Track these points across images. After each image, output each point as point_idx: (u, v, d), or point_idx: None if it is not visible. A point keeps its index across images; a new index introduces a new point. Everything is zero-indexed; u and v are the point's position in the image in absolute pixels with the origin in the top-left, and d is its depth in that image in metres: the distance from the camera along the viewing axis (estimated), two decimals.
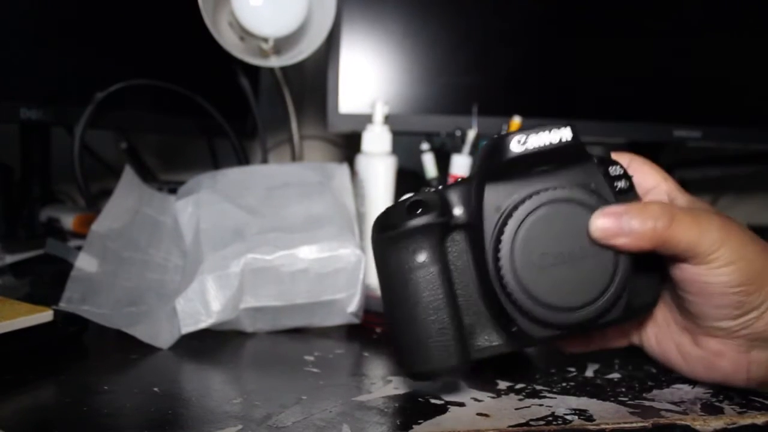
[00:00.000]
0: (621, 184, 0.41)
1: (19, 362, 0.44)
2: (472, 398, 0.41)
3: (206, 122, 0.82)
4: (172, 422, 0.36)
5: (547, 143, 0.39)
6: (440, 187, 0.42)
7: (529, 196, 0.38)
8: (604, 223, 0.38)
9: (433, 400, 0.41)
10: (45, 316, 0.45)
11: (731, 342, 0.41)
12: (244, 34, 0.71)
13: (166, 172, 1.03)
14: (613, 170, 0.41)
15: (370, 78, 0.83)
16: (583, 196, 0.38)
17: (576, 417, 0.39)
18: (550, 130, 0.39)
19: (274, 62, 0.73)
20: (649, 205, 0.39)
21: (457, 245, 0.41)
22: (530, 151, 0.39)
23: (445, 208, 0.40)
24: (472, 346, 0.41)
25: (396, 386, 0.43)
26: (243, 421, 0.36)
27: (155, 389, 0.41)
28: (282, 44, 0.73)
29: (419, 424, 0.37)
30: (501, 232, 0.38)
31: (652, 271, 0.41)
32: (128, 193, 0.63)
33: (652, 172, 0.46)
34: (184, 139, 1.06)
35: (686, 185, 1.13)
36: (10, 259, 0.64)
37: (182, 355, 0.48)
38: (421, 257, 0.39)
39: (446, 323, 0.39)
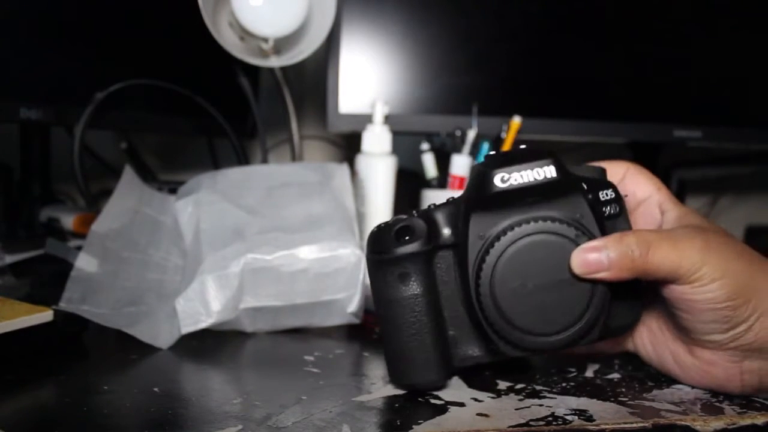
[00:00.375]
0: (610, 208, 0.42)
1: (19, 362, 0.44)
2: (472, 398, 0.41)
3: (206, 122, 0.82)
4: (172, 422, 0.36)
5: (531, 180, 0.40)
6: (432, 206, 0.43)
7: (511, 228, 0.39)
8: (584, 259, 0.39)
9: (433, 400, 0.41)
10: (45, 316, 0.45)
11: (723, 353, 0.41)
12: (244, 34, 0.71)
13: (166, 172, 1.03)
14: (604, 195, 0.42)
15: (370, 78, 0.83)
16: (564, 229, 0.39)
17: (576, 417, 0.39)
18: (533, 168, 0.40)
19: (274, 62, 0.73)
20: (625, 236, 0.40)
21: (447, 261, 0.43)
22: (514, 187, 0.40)
23: (433, 233, 0.42)
24: (455, 356, 0.43)
25: (396, 386, 0.43)
26: (243, 421, 0.36)
27: (155, 389, 0.41)
28: (282, 44, 0.73)
29: (419, 424, 0.37)
30: (482, 260, 0.39)
31: (632, 292, 0.42)
32: (128, 194, 0.63)
33: (646, 182, 0.47)
34: (184, 139, 1.05)
35: (686, 185, 1.13)
36: (10, 259, 0.64)
37: (182, 355, 0.48)
38: (406, 282, 0.41)
39: (427, 342, 0.41)
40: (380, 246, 0.42)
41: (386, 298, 0.41)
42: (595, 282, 0.39)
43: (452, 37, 0.84)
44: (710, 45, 0.90)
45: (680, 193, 1.03)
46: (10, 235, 0.74)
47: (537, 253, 0.39)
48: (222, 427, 0.36)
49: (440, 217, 0.42)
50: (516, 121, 0.74)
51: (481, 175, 0.41)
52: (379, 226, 0.43)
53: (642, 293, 0.43)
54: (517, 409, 0.40)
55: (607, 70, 0.88)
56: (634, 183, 0.47)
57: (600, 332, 0.41)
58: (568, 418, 0.39)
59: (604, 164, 0.46)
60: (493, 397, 0.42)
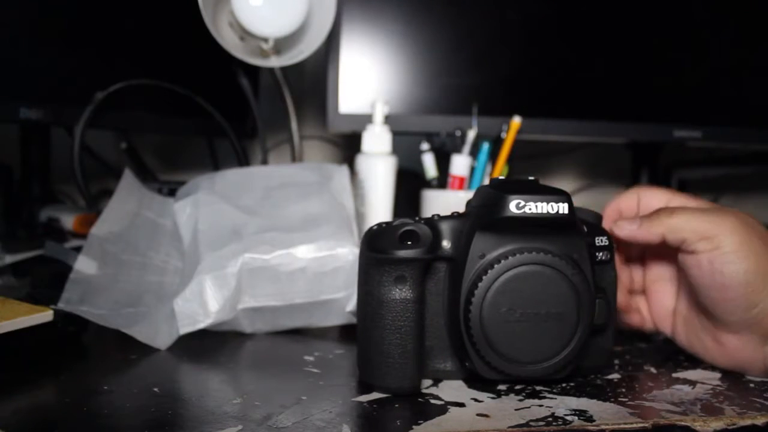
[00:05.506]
0: (602, 255, 0.44)
1: (19, 362, 0.44)
2: (472, 399, 0.41)
3: (206, 122, 0.81)
4: (172, 422, 0.36)
5: (544, 212, 0.41)
6: (436, 216, 0.43)
7: (513, 253, 0.40)
8: (626, 232, 0.46)
9: (433, 401, 0.41)
10: (45, 316, 0.45)
11: (747, 338, 0.44)
12: (244, 34, 0.71)
13: (166, 172, 1.03)
14: (599, 240, 0.44)
15: (370, 78, 0.83)
16: (563, 265, 0.41)
17: (576, 418, 0.39)
18: (549, 201, 0.41)
19: (274, 62, 0.73)
20: (652, 212, 0.46)
21: (438, 273, 0.43)
22: (526, 215, 0.41)
23: (435, 243, 0.42)
24: (428, 366, 0.44)
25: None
26: (243, 422, 0.36)
27: (155, 389, 0.41)
28: (282, 44, 0.73)
29: (419, 424, 0.37)
30: (479, 279, 0.41)
31: (605, 338, 0.44)
32: (127, 197, 0.62)
33: (660, 192, 0.51)
34: (184, 139, 1.05)
35: (686, 185, 1.13)
36: (10, 259, 0.64)
37: (182, 356, 0.48)
38: (401, 286, 0.41)
39: (409, 349, 0.41)
40: (381, 245, 0.41)
41: (378, 298, 0.41)
42: (578, 321, 0.41)
43: (452, 37, 0.84)
44: (710, 45, 0.90)
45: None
46: (10, 235, 0.74)
47: (532, 283, 0.41)
48: (222, 428, 0.36)
49: (444, 228, 0.43)
50: (516, 121, 0.74)
51: (496, 196, 0.42)
52: (379, 225, 0.43)
53: (612, 341, 0.45)
54: (517, 410, 0.40)
55: (607, 70, 0.88)
56: (649, 195, 0.50)
57: (572, 371, 0.43)
58: (568, 418, 0.38)
59: (618, 201, 0.51)
60: (493, 398, 0.42)
